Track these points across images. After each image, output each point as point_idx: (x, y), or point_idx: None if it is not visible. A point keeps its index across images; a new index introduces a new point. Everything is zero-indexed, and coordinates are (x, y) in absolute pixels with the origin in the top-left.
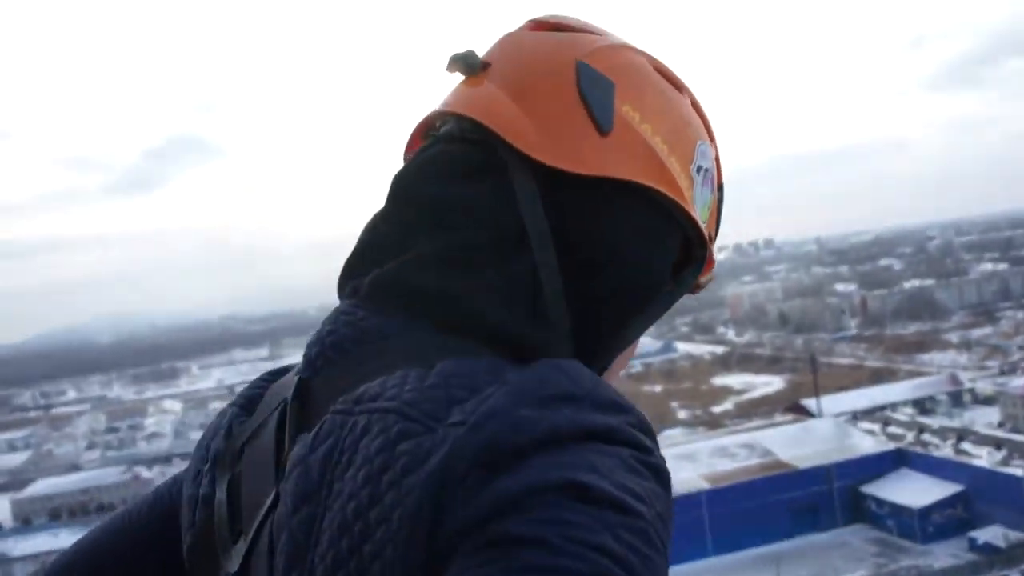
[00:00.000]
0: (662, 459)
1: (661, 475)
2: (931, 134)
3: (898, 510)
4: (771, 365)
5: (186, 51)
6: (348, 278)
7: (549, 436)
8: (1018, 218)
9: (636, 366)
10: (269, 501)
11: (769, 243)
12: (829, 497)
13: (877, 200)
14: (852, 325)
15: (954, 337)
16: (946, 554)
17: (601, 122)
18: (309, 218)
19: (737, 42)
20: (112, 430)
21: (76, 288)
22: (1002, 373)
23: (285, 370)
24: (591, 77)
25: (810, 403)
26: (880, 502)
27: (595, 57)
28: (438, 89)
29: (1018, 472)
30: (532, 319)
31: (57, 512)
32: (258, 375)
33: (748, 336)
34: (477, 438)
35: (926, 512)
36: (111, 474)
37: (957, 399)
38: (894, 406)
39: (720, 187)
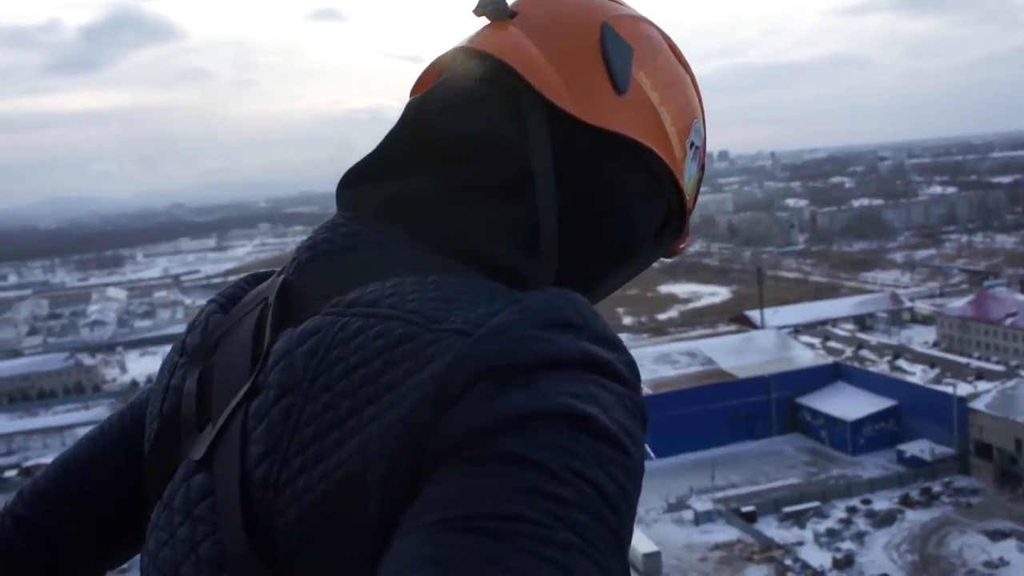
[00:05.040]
0: (645, 401)
1: (645, 420)
2: (893, 55)
3: (832, 421)
4: (718, 276)
5: None
6: (347, 187)
7: (555, 359)
8: (970, 143)
9: None
10: (244, 391)
11: (723, 155)
12: (766, 407)
13: (833, 118)
14: (800, 240)
15: (898, 257)
16: (875, 465)
17: (619, 81)
18: (260, 112)
19: None
20: (54, 316)
21: (17, 171)
22: (942, 295)
23: (269, 274)
24: (614, 39)
25: (754, 315)
26: (815, 413)
27: (619, 22)
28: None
29: (948, 390)
30: (527, 256)
31: None
32: (241, 276)
33: (697, 246)
34: (484, 349)
35: (858, 425)
36: (53, 360)
37: (896, 317)
38: (835, 321)
39: (702, 167)
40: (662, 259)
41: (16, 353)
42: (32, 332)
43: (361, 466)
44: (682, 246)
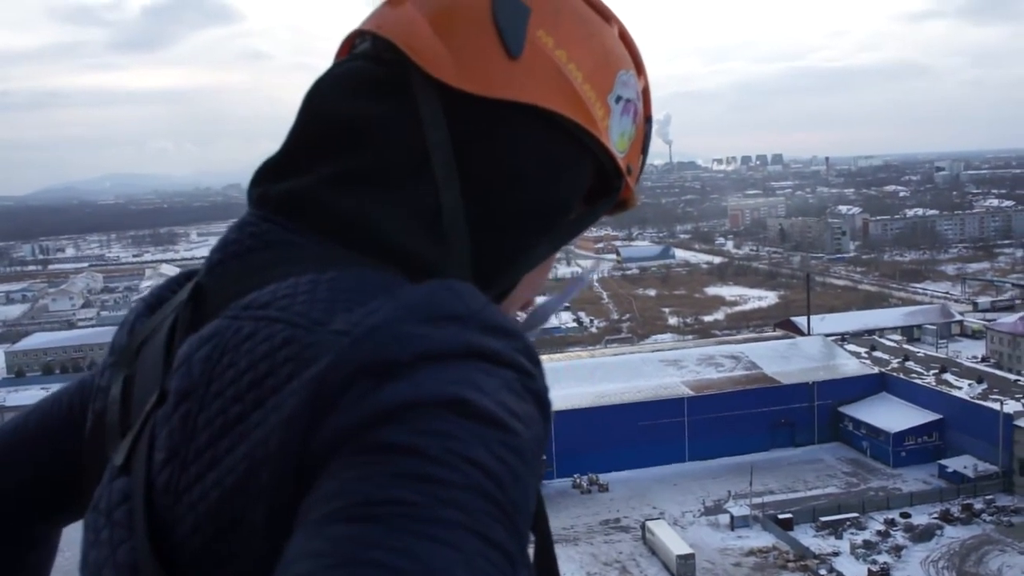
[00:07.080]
0: (545, 386)
1: (541, 401)
2: (956, 63)
3: (874, 432)
4: (766, 280)
5: None
6: (256, 185)
7: (433, 352)
8: None
9: (632, 269)
10: (154, 398)
11: (777, 158)
12: (809, 414)
13: (891, 125)
14: (851, 247)
15: (950, 269)
16: (916, 479)
17: (510, 46)
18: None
19: None
20: (108, 290)
21: (79, 145)
22: (993, 309)
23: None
24: (506, 2)
25: (800, 320)
26: (857, 423)
27: None
28: None
29: (995, 406)
30: (431, 240)
31: (50, 367)
32: (173, 275)
33: (746, 249)
34: (360, 349)
35: (901, 437)
36: (106, 333)
37: (946, 330)
38: (883, 331)
39: (648, 120)
40: (607, 217)
41: (71, 324)
42: (86, 304)
43: (249, 471)
44: (628, 204)
